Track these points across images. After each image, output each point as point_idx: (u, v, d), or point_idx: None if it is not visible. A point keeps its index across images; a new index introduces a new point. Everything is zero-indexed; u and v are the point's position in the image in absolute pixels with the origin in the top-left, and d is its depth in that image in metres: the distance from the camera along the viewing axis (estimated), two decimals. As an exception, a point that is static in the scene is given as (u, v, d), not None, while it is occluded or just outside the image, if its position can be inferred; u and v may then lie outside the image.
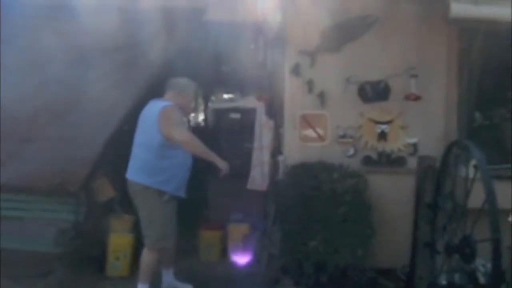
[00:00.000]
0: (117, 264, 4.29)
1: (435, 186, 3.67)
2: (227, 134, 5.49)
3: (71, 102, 4.54)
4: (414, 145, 4.24)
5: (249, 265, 4.35)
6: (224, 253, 4.79)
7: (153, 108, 3.75)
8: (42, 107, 4.46)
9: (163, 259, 3.93)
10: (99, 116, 4.39)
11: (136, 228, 4.42)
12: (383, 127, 4.25)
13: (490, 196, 2.77)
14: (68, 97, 4.56)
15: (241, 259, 4.37)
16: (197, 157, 3.82)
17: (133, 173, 3.77)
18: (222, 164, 3.73)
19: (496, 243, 2.71)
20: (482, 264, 3.65)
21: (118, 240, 4.32)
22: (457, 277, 3.37)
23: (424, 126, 4.23)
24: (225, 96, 6.32)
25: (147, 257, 3.74)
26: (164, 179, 3.66)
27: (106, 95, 4.48)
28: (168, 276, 4.02)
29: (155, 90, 4.37)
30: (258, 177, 4.72)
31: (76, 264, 4.08)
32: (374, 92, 4.24)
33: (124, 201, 4.48)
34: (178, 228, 3.86)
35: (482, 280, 3.62)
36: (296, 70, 4.26)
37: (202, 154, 3.70)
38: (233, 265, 4.49)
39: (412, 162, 4.16)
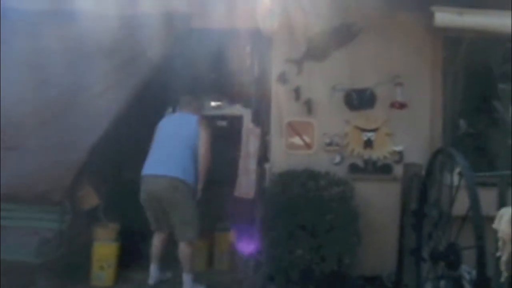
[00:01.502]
0: (101, 273, 4.22)
1: (420, 193, 3.69)
2: (213, 142, 5.46)
3: (57, 109, 4.48)
4: (400, 153, 4.26)
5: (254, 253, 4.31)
6: (210, 261, 4.75)
7: (186, 116, 4.24)
8: (28, 114, 4.39)
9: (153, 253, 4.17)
10: (85, 123, 4.34)
11: (120, 237, 4.39)
12: (369, 134, 4.27)
13: (475, 203, 2.79)
14: (55, 104, 4.50)
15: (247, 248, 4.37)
16: None
17: (173, 171, 3.97)
18: (201, 187, 4.06)
19: (481, 250, 2.73)
20: (468, 271, 3.67)
21: (103, 249, 4.26)
22: (442, 284, 3.39)
23: (410, 133, 4.26)
24: (212, 103, 6.30)
25: (187, 249, 4.02)
26: (195, 178, 4.03)
27: (93, 102, 4.43)
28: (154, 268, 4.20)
29: (143, 97, 4.35)
30: (245, 185, 4.70)
31: (60, 274, 4.00)
32: (360, 100, 4.27)
33: (109, 209, 4.43)
34: None
35: (467, 287, 3.64)
36: (283, 78, 4.28)
37: (204, 173, 4.06)
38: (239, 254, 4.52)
39: (398, 170, 4.18)
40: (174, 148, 4.06)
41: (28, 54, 4.74)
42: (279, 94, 4.31)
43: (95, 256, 4.23)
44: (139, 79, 4.39)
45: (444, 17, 3.92)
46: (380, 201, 4.15)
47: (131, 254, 4.39)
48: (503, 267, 2.64)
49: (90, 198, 4.25)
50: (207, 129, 4.15)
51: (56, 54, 4.67)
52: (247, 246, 4.27)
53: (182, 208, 3.98)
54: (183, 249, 4.01)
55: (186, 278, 4.03)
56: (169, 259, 4.41)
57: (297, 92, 4.26)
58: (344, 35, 4.24)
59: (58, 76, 4.57)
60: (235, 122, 5.20)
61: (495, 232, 2.69)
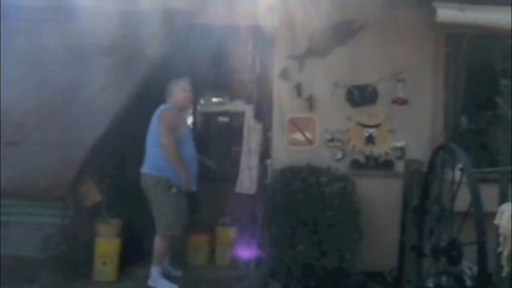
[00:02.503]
0: (104, 269, 4.24)
1: (422, 189, 3.70)
2: (215, 138, 5.48)
3: (59, 105, 4.48)
4: (402, 149, 4.27)
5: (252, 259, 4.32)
6: (212, 256, 4.76)
7: (157, 110, 4.18)
8: (30, 110, 4.40)
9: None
10: (86, 119, 4.34)
11: (122, 233, 4.40)
12: (371, 130, 4.27)
13: (476, 199, 2.79)
14: (56, 101, 4.50)
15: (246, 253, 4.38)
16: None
17: (146, 167, 4.13)
18: (185, 179, 4.02)
19: (482, 246, 2.73)
20: (469, 267, 3.68)
21: (105, 245, 4.27)
22: (444, 280, 3.40)
23: (411, 130, 4.26)
24: (214, 99, 6.30)
25: (159, 243, 4.08)
26: (171, 172, 4.00)
27: (93, 99, 4.44)
28: (164, 261, 4.26)
29: (145, 93, 4.36)
30: (247, 181, 4.71)
31: (62, 269, 4.02)
32: (362, 96, 4.27)
33: (111, 205, 4.45)
34: (188, 220, 4.27)
35: (468, 282, 3.65)
36: (284, 74, 4.28)
37: (174, 164, 4.00)
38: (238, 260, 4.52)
39: (400, 166, 4.19)
40: (147, 145, 4.17)
41: (29, 51, 4.74)
42: (280, 90, 4.31)
43: (97, 251, 4.25)
44: (140, 76, 4.39)
45: (446, 13, 3.91)
46: (381, 197, 4.16)
47: (133, 250, 4.41)
48: (504, 262, 2.65)
49: (92, 194, 4.26)
50: (163, 121, 4.03)
51: (56, 50, 4.67)
52: (247, 251, 4.27)
53: (155, 203, 4.07)
54: (155, 242, 4.09)
55: (152, 270, 4.08)
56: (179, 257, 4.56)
57: (298, 88, 4.26)
58: (345, 31, 4.24)
59: (58, 73, 4.57)
60: (237, 118, 5.20)
61: (496, 228, 2.70)
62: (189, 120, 6.72)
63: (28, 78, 4.62)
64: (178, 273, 4.39)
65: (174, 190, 4.01)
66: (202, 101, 6.19)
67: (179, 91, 4.24)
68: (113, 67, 4.41)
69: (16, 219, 4.14)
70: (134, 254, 4.44)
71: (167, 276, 4.19)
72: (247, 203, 4.90)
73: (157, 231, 4.08)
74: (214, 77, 5.60)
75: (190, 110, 6.61)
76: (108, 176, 4.59)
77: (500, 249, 2.66)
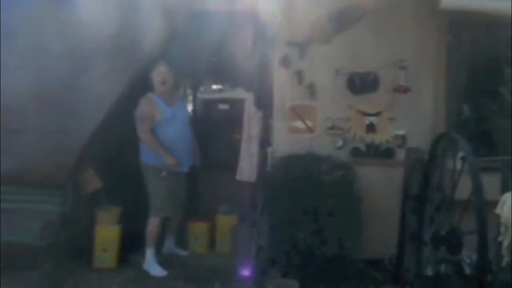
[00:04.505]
0: (104, 256, 4.26)
1: (423, 178, 3.69)
2: (215, 125, 5.46)
3: (58, 93, 4.46)
4: (403, 137, 4.25)
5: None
6: (212, 244, 4.78)
7: None
8: (30, 98, 4.38)
9: (167, 227, 4.48)
10: (86, 107, 4.33)
11: (122, 220, 4.41)
12: (372, 118, 4.25)
13: (477, 188, 2.78)
14: (56, 88, 4.48)
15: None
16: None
17: (140, 155, 4.31)
18: (170, 161, 4.15)
19: (483, 235, 2.73)
20: (468, 255, 3.68)
21: (105, 232, 4.29)
22: (443, 268, 3.40)
23: (413, 118, 4.24)
24: (214, 86, 6.27)
25: (150, 225, 4.24)
26: (152, 155, 4.18)
27: (93, 86, 4.42)
28: (169, 242, 4.56)
29: (144, 81, 4.33)
30: (247, 169, 4.70)
31: (63, 256, 4.04)
32: (363, 84, 4.24)
33: (111, 192, 4.45)
34: (186, 201, 4.50)
35: (467, 271, 3.66)
36: (285, 61, 4.24)
37: (154, 150, 4.18)
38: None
39: (401, 154, 4.17)
40: None
41: (28, 38, 4.71)
42: (281, 78, 4.28)
43: (97, 239, 4.27)
44: (139, 64, 4.37)
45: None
46: (382, 185, 4.15)
47: (133, 237, 4.42)
48: (504, 252, 2.64)
49: (92, 181, 4.27)
50: (137, 111, 4.20)
51: (57, 39, 4.65)
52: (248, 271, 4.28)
53: (147, 186, 4.27)
54: (148, 224, 4.25)
55: (146, 252, 4.23)
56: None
57: (299, 75, 4.23)
58: (347, 18, 4.19)
59: (57, 60, 4.55)
60: (237, 105, 5.18)
61: (497, 216, 2.69)
62: (189, 108, 6.72)
63: (27, 65, 4.61)
64: (184, 252, 4.59)
65: (164, 173, 4.15)
66: (202, 89, 6.17)
67: (155, 75, 4.29)
68: (112, 55, 4.39)
69: (16, 206, 4.15)
70: (134, 241, 4.45)
71: (175, 256, 4.44)
72: (247, 191, 4.90)
73: (150, 212, 4.24)
74: (214, 64, 5.56)
75: (190, 98, 6.60)
76: (108, 163, 4.58)
77: (500, 239, 2.65)
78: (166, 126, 4.22)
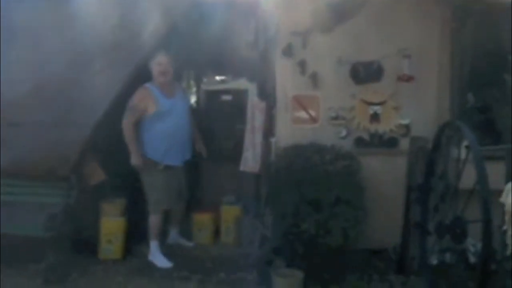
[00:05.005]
0: (109, 247, 4.28)
1: (427, 167, 3.68)
2: (218, 116, 5.45)
3: (60, 85, 4.47)
4: (407, 126, 4.23)
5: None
6: (216, 235, 4.79)
7: None
8: (32, 91, 4.39)
9: (170, 219, 4.50)
10: (89, 99, 4.34)
11: (127, 212, 4.43)
12: (376, 108, 4.23)
13: (482, 177, 2.77)
14: (58, 80, 4.49)
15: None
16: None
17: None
18: (134, 160, 4.15)
19: (487, 223, 2.73)
20: (472, 244, 3.68)
21: (110, 224, 4.30)
22: (447, 257, 3.40)
23: (417, 107, 4.22)
24: (217, 77, 6.24)
25: (151, 218, 4.26)
26: (148, 149, 4.18)
27: (96, 79, 4.42)
28: (173, 233, 4.60)
29: (146, 73, 4.32)
30: (251, 159, 4.70)
31: (68, 248, 4.06)
32: (367, 73, 4.21)
33: (115, 185, 4.46)
34: (187, 194, 4.52)
35: (472, 259, 3.66)
36: (288, 51, 4.22)
37: (128, 143, 4.15)
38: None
39: (405, 143, 4.16)
40: None
41: (29, 31, 4.71)
42: (284, 68, 4.26)
43: (102, 230, 4.29)
44: (141, 56, 4.36)
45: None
46: (386, 174, 4.14)
47: (138, 228, 4.44)
48: (509, 240, 2.64)
49: (96, 174, 4.27)
50: (130, 100, 4.16)
51: (56, 30, 4.64)
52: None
53: (143, 181, 4.28)
54: (149, 218, 4.28)
55: (151, 244, 4.27)
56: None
57: (302, 65, 4.21)
58: (350, 7, 4.15)
59: (58, 53, 4.55)
60: (240, 96, 5.17)
61: (501, 205, 2.69)
62: (193, 99, 6.71)
63: (27, 57, 4.61)
64: (189, 243, 4.61)
65: (160, 167, 4.16)
66: (205, 80, 6.15)
67: (155, 65, 4.22)
68: (113, 47, 4.38)
69: (21, 199, 4.17)
70: (139, 232, 4.46)
71: (179, 247, 4.48)
72: (251, 182, 4.90)
73: (148, 207, 4.25)
74: (217, 55, 5.54)
75: (194, 89, 6.58)
76: (112, 156, 4.58)
77: (505, 227, 2.65)
78: (163, 118, 4.15)
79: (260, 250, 4.11)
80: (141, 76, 4.32)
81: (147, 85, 4.23)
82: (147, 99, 4.16)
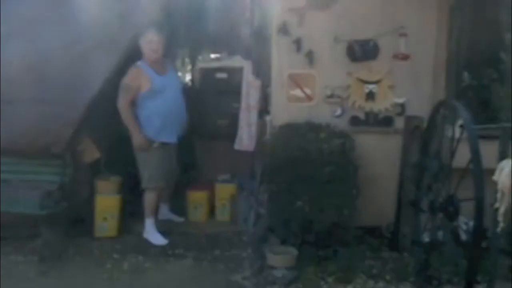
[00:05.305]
0: (104, 225, 4.30)
1: (421, 146, 3.69)
2: (213, 94, 5.41)
3: (55, 63, 4.43)
4: (402, 105, 4.23)
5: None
6: (212, 213, 4.82)
7: None
8: (24, 69, 4.35)
9: (160, 196, 4.46)
10: (81, 77, 4.30)
11: (122, 189, 4.44)
12: (371, 86, 4.22)
13: (475, 155, 2.79)
14: (52, 58, 4.45)
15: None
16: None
17: None
18: (137, 141, 4.15)
19: (479, 202, 2.75)
20: (464, 222, 3.73)
21: (105, 202, 4.31)
22: (440, 235, 3.45)
23: (412, 85, 4.20)
24: (212, 55, 6.18)
25: (146, 196, 4.29)
26: (143, 127, 4.16)
27: (88, 56, 4.37)
28: (164, 209, 4.64)
29: (140, 50, 4.27)
30: (246, 137, 4.69)
31: (63, 226, 4.08)
32: (363, 51, 4.18)
33: (110, 162, 4.46)
34: (177, 170, 4.55)
35: (463, 237, 3.71)
36: (283, 29, 4.17)
37: (126, 123, 4.15)
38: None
39: (400, 122, 4.16)
40: None
41: (24, 10, 4.65)
42: (279, 46, 4.22)
43: (98, 208, 4.30)
44: (136, 32, 4.30)
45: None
46: (380, 153, 4.16)
47: (133, 206, 4.45)
48: (500, 218, 2.67)
49: (91, 152, 4.27)
50: (122, 80, 4.14)
51: (50, 9, 4.58)
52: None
53: (137, 158, 4.26)
54: (144, 195, 4.29)
55: (146, 222, 4.29)
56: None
57: (298, 43, 4.17)
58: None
59: (52, 31, 4.49)
60: (235, 74, 5.12)
61: (493, 184, 2.71)
62: (187, 77, 6.66)
63: (22, 35, 4.55)
64: (180, 219, 4.67)
65: (155, 144, 4.16)
66: (200, 57, 6.09)
67: (145, 43, 4.18)
68: (106, 25, 4.32)
69: (16, 177, 4.16)
70: (134, 210, 4.48)
71: (174, 225, 4.51)
72: (246, 160, 4.91)
73: (142, 184, 4.25)
74: (212, 32, 5.47)
75: (189, 67, 6.52)
76: (107, 133, 4.57)
77: (497, 205, 2.67)
78: (156, 95, 4.13)
79: (254, 227, 4.13)
80: (135, 53, 4.27)
81: (139, 63, 4.19)
82: (139, 78, 4.13)
